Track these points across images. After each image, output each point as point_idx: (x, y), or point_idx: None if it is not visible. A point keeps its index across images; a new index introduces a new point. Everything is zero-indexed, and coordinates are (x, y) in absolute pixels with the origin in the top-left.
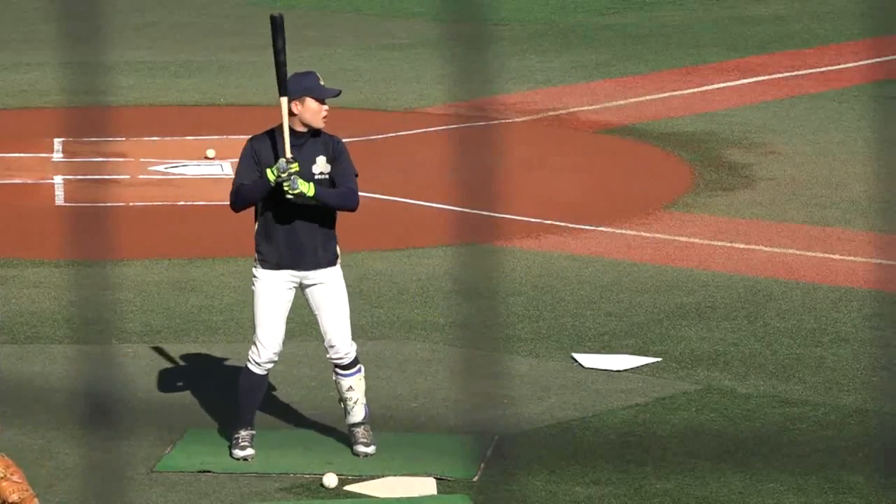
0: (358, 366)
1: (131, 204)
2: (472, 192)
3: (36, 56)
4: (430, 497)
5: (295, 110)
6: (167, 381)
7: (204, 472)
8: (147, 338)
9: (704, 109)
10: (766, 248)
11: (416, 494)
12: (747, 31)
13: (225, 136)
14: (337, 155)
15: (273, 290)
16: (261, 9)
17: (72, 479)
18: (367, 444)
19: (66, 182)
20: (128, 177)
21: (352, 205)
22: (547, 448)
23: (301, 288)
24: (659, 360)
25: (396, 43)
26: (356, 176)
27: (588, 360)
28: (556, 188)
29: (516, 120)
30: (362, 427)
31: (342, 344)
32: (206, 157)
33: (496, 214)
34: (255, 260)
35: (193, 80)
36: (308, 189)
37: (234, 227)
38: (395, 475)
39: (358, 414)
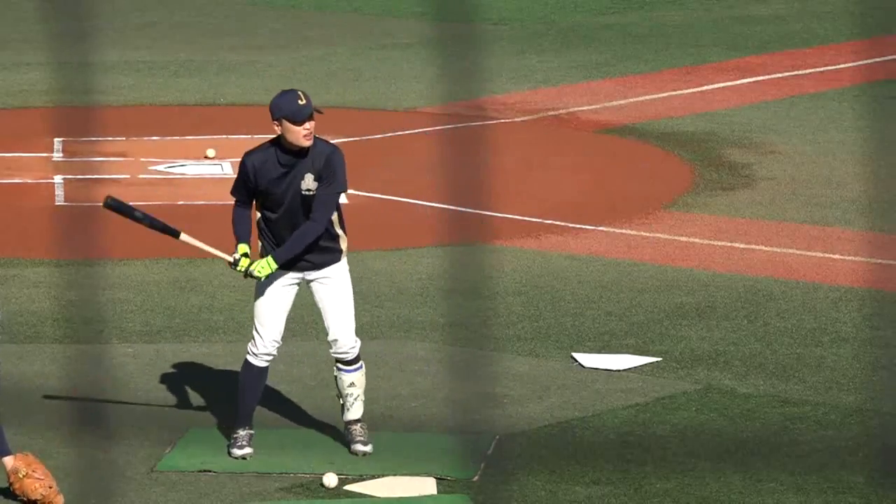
0: (360, 362)
1: (131, 204)
2: (472, 192)
3: (36, 56)
4: (430, 497)
5: (278, 131)
6: (167, 380)
7: (204, 471)
8: (147, 338)
9: (704, 109)
10: (766, 248)
11: (416, 494)
12: (747, 31)
13: (225, 136)
14: (324, 173)
15: (275, 285)
16: (261, 9)
17: (72, 479)
18: (364, 443)
19: (66, 182)
20: (128, 177)
21: (310, 240)
22: (547, 448)
23: (306, 282)
24: (659, 359)
25: (396, 43)
26: (340, 193)
27: (588, 359)
28: (556, 188)
29: (516, 120)
30: (359, 424)
31: (346, 338)
32: (206, 157)
33: (496, 214)
34: (259, 255)
35: (193, 80)
36: (268, 265)
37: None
38: (395, 475)
39: (357, 411)
